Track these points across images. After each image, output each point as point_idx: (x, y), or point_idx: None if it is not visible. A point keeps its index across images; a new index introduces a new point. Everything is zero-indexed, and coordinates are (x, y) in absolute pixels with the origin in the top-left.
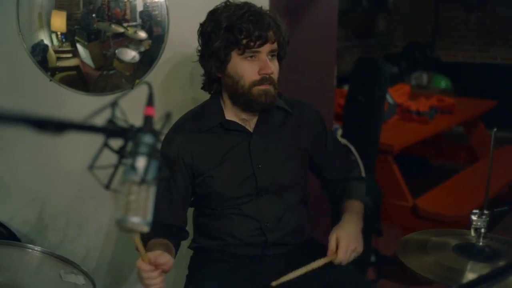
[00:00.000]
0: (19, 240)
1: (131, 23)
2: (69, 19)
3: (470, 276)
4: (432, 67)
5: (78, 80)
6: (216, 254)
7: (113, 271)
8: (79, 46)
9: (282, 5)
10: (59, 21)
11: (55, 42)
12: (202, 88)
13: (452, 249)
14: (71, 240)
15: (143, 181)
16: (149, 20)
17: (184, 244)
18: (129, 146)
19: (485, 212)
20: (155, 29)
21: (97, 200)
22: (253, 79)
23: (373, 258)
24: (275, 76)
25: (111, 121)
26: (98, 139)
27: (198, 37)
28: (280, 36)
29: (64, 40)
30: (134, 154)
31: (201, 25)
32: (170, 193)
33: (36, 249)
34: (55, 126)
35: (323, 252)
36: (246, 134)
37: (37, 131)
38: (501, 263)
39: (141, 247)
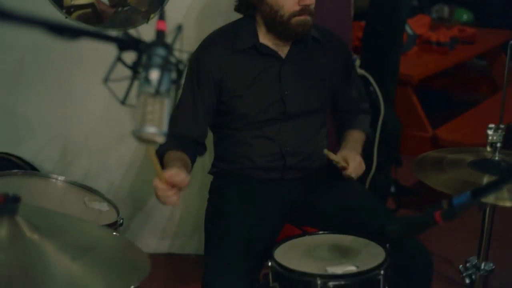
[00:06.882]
0: None
1: None
2: None
3: None
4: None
5: (93, 18)
6: (235, 178)
7: (135, 202)
8: None
9: None
10: None
11: None
12: (236, 10)
13: (468, 165)
14: (94, 176)
15: (157, 92)
16: None
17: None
18: (143, 59)
19: (501, 126)
20: None
21: (118, 136)
22: (293, 9)
23: (393, 189)
24: (313, 5)
25: (125, 33)
26: (122, 76)
27: None
28: None
29: None
30: (147, 67)
31: None
32: (195, 106)
33: (59, 178)
34: (70, 31)
35: (339, 176)
36: (278, 60)
37: (53, 35)
38: None
39: (158, 167)
